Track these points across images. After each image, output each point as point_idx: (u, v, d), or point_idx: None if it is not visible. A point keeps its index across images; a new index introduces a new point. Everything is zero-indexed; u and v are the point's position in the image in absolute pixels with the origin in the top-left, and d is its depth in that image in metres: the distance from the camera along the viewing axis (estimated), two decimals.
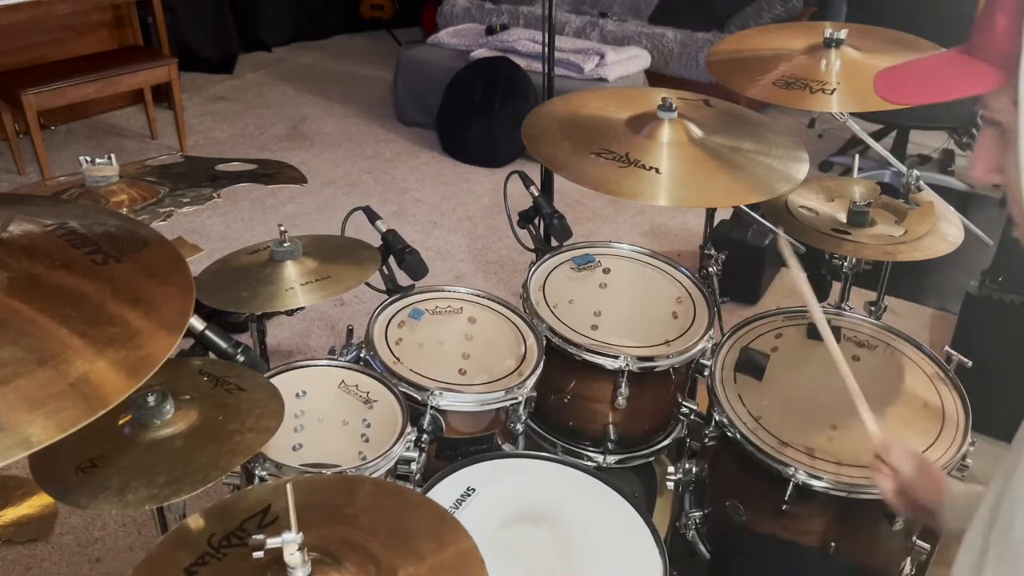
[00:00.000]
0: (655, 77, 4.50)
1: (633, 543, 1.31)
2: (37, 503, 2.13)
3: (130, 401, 1.11)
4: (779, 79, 1.70)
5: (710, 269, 2.02)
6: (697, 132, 1.67)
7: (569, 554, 1.29)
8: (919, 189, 1.85)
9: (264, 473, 1.31)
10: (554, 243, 1.97)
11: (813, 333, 1.75)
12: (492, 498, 1.37)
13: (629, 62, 4.28)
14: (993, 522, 0.84)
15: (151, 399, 1.14)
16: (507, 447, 1.65)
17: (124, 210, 1.44)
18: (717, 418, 1.57)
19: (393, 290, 1.74)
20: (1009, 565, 0.80)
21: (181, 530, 1.03)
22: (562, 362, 1.71)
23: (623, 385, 1.67)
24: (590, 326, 1.93)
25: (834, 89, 1.65)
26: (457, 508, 1.34)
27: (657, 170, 1.56)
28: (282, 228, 1.54)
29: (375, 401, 1.52)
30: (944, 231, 1.76)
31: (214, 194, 1.53)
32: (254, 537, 0.87)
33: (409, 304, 1.74)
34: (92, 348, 0.68)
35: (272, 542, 0.87)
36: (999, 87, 0.75)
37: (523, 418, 1.60)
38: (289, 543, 0.87)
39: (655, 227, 3.59)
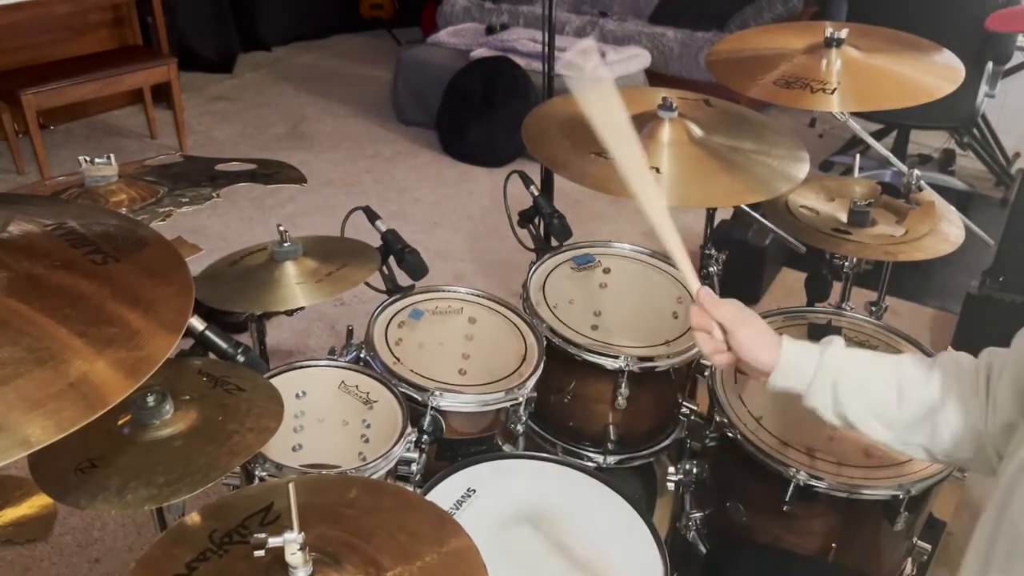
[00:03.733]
0: (655, 77, 4.50)
1: (633, 543, 1.31)
2: (36, 503, 2.13)
3: (130, 401, 1.11)
4: (779, 79, 1.70)
5: (710, 269, 2.02)
6: (697, 132, 1.67)
7: (569, 555, 1.29)
8: (920, 189, 1.85)
9: (264, 473, 1.31)
10: (554, 243, 1.97)
11: (813, 333, 1.75)
12: (492, 499, 1.37)
13: (629, 62, 4.28)
14: (994, 541, 0.84)
15: (151, 399, 1.14)
16: (507, 448, 1.64)
17: (123, 210, 1.44)
18: (717, 418, 1.56)
19: (393, 290, 1.74)
20: (1018, 563, 0.80)
21: (183, 526, 1.03)
22: (562, 362, 1.70)
23: (623, 385, 1.67)
24: (590, 326, 1.93)
25: (835, 89, 1.65)
26: (457, 509, 1.34)
27: (657, 170, 1.56)
28: (282, 228, 1.54)
29: (375, 401, 1.52)
30: (945, 231, 1.76)
31: (214, 194, 1.53)
32: (255, 536, 0.87)
33: (409, 304, 1.74)
34: (92, 348, 0.68)
35: (274, 541, 0.86)
36: None
37: (523, 418, 1.60)
38: (291, 542, 0.87)
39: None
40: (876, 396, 1.06)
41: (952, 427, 1.02)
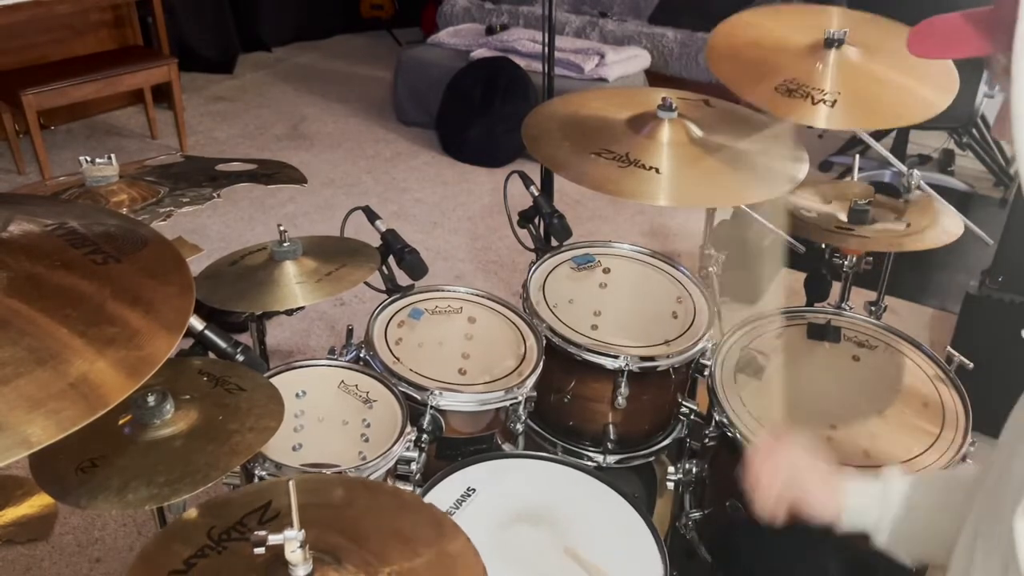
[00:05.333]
0: (655, 77, 4.50)
1: (633, 543, 1.31)
2: (37, 503, 2.13)
3: (130, 401, 1.11)
4: (780, 84, 1.68)
5: (710, 269, 2.02)
6: (697, 132, 1.67)
7: (569, 554, 1.29)
8: (919, 189, 1.85)
9: (264, 473, 1.31)
10: (554, 243, 1.97)
11: (813, 333, 1.75)
12: (492, 498, 1.37)
13: (629, 62, 4.29)
14: (980, 521, 0.84)
15: (151, 399, 1.14)
16: (507, 447, 1.65)
17: (124, 210, 1.44)
18: (717, 418, 1.57)
19: (393, 290, 1.74)
20: (994, 561, 0.80)
21: (180, 522, 1.03)
22: (562, 362, 1.71)
23: (623, 385, 1.67)
24: (590, 326, 1.93)
25: (835, 101, 1.63)
26: (457, 508, 1.34)
27: (657, 170, 1.56)
28: (282, 228, 1.54)
29: (375, 401, 1.52)
30: (944, 224, 1.77)
31: (214, 194, 1.53)
32: (255, 533, 0.87)
33: (409, 304, 1.74)
34: (92, 348, 0.68)
35: (274, 539, 0.87)
36: (990, 54, 0.75)
37: (523, 418, 1.60)
38: (291, 540, 0.87)
39: (655, 227, 3.59)
40: (930, 525, 1.05)
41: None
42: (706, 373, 1.68)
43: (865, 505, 1.07)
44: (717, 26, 1.84)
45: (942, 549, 1.00)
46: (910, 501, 1.06)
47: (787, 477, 1.08)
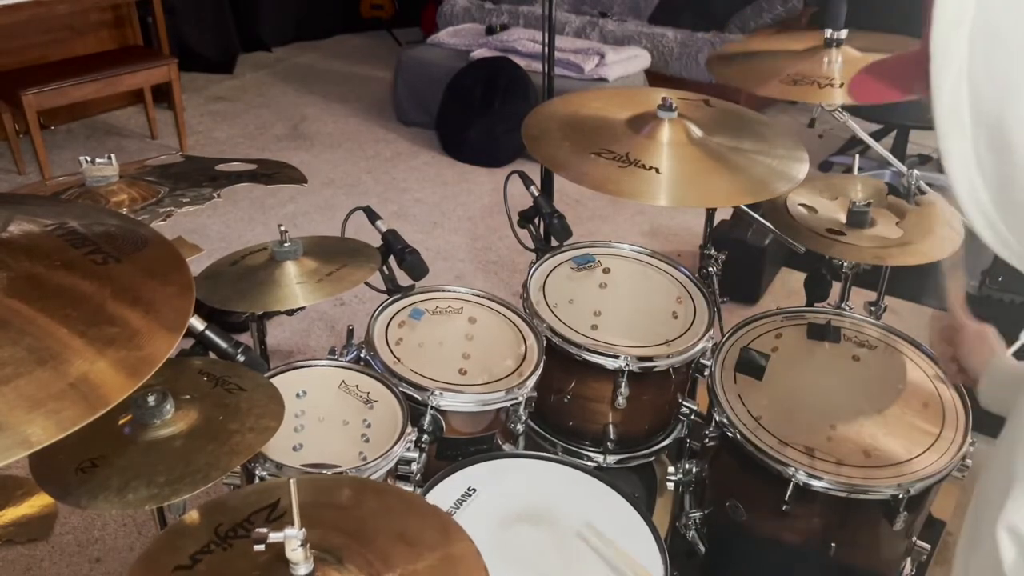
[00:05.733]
0: (655, 77, 4.50)
1: (633, 543, 1.31)
2: (37, 503, 2.13)
3: (130, 401, 1.11)
4: (786, 77, 1.69)
5: (710, 269, 2.02)
6: (697, 132, 1.67)
7: (569, 554, 1.29)
8: (920, 191, 1.85)
9: (264, 473, 1.31)
10: (554, 243, 1.97)
11: (813, 333, 1.75)
12: (492, 498, 1.37)
13: (629, 62, 4.29)
14: (980, 516, 0.84)
15: (151, 399, 1.14)
16: (507, 447, 1.65)
17: (124, 210, 1.44)
18: (717, 418, 1.57)
19: (393, 290, 1.74)
20: (988, 558, 0.80)
21: (187, 519, 1.03)
22: (562, 362, 1.71)
23: (623, 385, 1.67)
24: (590, 326, 1.93)
25: (842, 83, 1.65)
26: (458, 508, 1.34)
27: (657, 170, 1.56)
28: (282, 228, 1.54)
29: (375, 401, 1.52)
30: (942, 235, 1.76)
31: (214, 194, 1.53)
32: (257, 530, 0.87)
33: (409, 304, 1.74)
34: (92, 348, 0.68)
35: (274, 536, 0.87)
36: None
37: (523, 418, 1.60)
38: (291, 538, 0.87)
39: (655, 227, 3.59)
40: None
41: None
42: (706, 373, 1.68)
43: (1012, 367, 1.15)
44: (714, 51, 1.87)
45: None
46: None
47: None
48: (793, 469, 1.42)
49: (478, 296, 1.79)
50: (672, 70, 4.58)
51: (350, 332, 1.71)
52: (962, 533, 0.89)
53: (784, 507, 1.44)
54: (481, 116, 4.09)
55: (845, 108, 1.84)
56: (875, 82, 0.83)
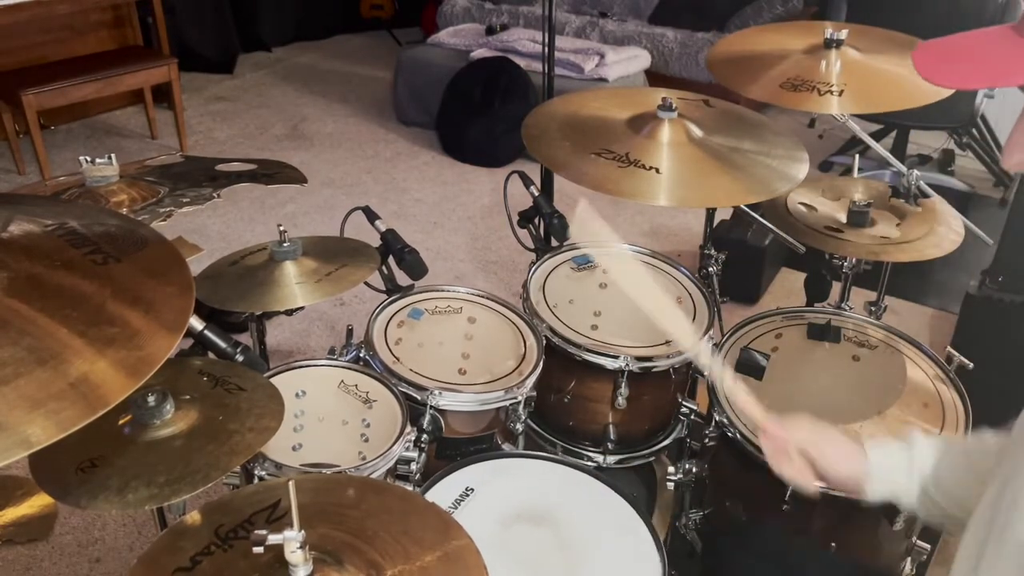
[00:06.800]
0: (655, 77, 4.50)
1: (633, 543, 1.31)
2: (37, 503, 2.13)
3: (130, 401, 1.11)
4: (785, 82, 1.70)
5: (710, 269, 2.02)
6: (697, 132, 1.67)
7: (569, 554, 1.29)
8: (921, 192, 1.85)
9: (264, 473, 1.31)
10: (554, 243, 1.97)
11: (813, 333, 1.75)
12: (492, 498, 1.37)
13: (629, 62, 4.28)
14: (994, 517, 0.84)
15: (151, 399, 1.14)
16: (507, 447, 1.65)
17: (124, 210, 1.44)
18: (717, 418, 1.57)
19: (393, 290, 1.74)
20: (1007, 562, 0.80)
21: (188, 520, 1.03)
22: (562, 362, 1.71)
23: (623, 385, 1.67)
24: (590, 326, 1.93)
25: (842, 91, 1.65)
26: (456, 508, 1.34)
27: (657, 170, 1.56)
28: (282, 228, 1.54)
29: (375, 401, 1.52)
30: (941, 234, 1.76)
31: (214, 194, 1.53)
32: (256, 532, 0.87)
33: (409, 304, 1.74)
34: (92, 348, 0.68)
35: (273, 538, 0.87)
36: None
37: (523, 418, 1.60)
38: (290, 540, 0.87)
39: (655, 227, 3.59)
40: (956, 487, 1.05)
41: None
42: (706, 373, 1.68)
43: (891, 468, 1.07)
44: (714, 46, 1.88)
45: (965, 512, 1.00)
46: (938, 463, 1.06)
47: (810, 448, 1.08)
48: None
49: (478, 296, 1.79)
50: (672, 70, 4.58)
51: (349, 332, 1.71)
52: (967, 531, 0.88)
53: (784, 507, 1.44)
54: (481, 116, 4.09)
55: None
56: (958, 64, 0.76)
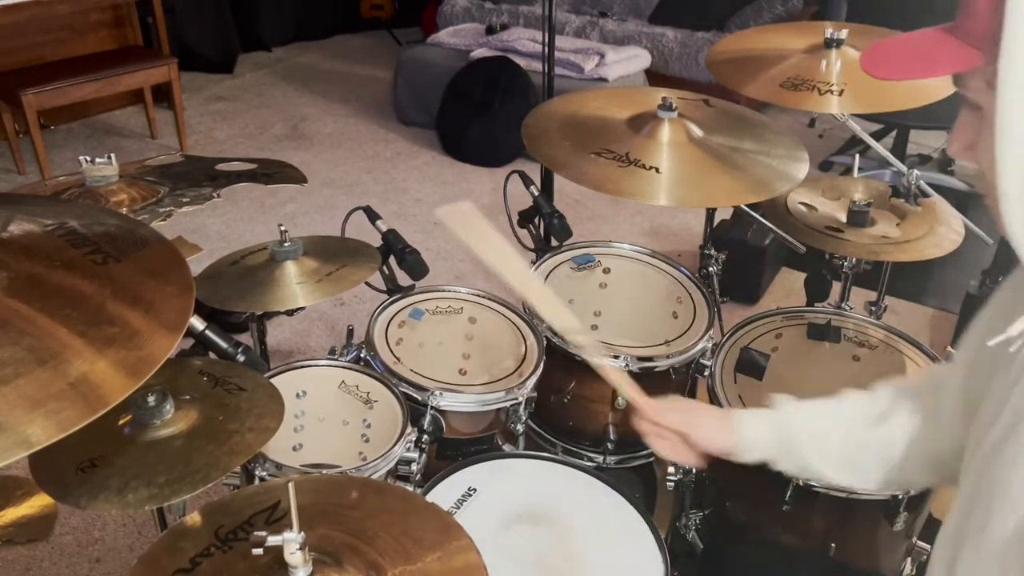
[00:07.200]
0: (655, 77, 4.50)
1: (633, 543, 1.31)
2: (37, 503, 2.13)
3: (130, 401, 1.11)
4: (785, 81, 1.70)
5: (710, 269, 2.02)
6: (697, 132, 1.67)
7: (569, 554, 1.29)
8: (921, 191, 1.85)
9: (264, 473, 1.31)
10: (554, 243, 1.97)
11: (813, 333, 1.75)
12: (492, 498, 1.37)
13: (629, 62, 4.28)
14: (970, 512, 0.84)
15: (151, 399, 1.14)
16: (507, 447, 1.65)
17: (124, 210, 1.44)
18: None
19: (393, 290, 1.74)
20: (986, 563, 0.80)
21: (188, 521, 1.03)
22: (562, 362, 1.70)
23: None
24: (590, 326, 1.93)
25: (842, 90, 1.65)
26: (457, 508, 1.34)
27: (657, 170, 1.56)
28: (282, 228, 1.54)
29: (375, 401, 1.52)
30: (941, 234, 1.76)
31: (214, 194, 1.53)
32: (255, 534, 0.87)
33: (409, 304, 1.74)
34: (92, 348, 0.68)
35: (273, 540, 0.87)
36: (975, 67, 0.75)
37: (523, 418, 1.60)
38: (290, 542, 0.87)
39: (655, 227, 3.59)
40: (828, 446, 1.08)
41: (905, 455, 1.05)
42: (706, 373, 1.68)
43: (758, 434, 1.11)
44: (714, 45, 1.88)
45: (823, 463, 1.07)
46: (814, 427, 1.09)
47: (682, 428, 1.12)
48: None
49: (478, 296, 1.79)
50: (672, 70, 4.57)
51: (350, 332, 1.71)
52: (941, 533, 0.88)
53: (784, 507, 1.44)
54: (481, 116, 4.09)
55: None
56: (892, 60, 0.83)
